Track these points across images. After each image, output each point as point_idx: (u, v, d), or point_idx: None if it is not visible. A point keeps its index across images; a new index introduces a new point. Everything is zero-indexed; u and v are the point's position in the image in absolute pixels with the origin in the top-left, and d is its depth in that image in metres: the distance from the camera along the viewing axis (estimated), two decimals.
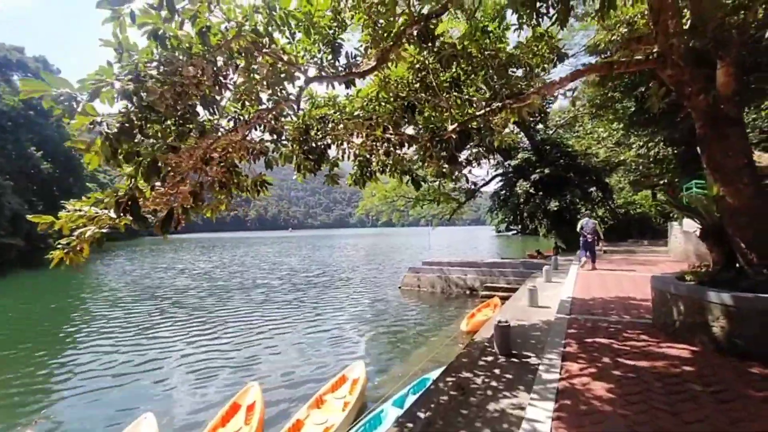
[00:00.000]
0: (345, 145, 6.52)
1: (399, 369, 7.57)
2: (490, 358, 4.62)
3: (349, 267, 26.66)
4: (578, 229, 10.56)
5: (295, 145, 5.64)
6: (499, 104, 4.91)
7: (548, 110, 25.75)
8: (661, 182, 20.33)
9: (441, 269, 16.93)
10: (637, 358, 3.75)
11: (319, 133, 5.71)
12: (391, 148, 6.77)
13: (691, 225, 9.96)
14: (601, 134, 24.01)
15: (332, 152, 6.49)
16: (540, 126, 23.25)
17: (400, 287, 17.44)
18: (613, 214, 21.68)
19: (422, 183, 6.60)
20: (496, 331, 4.78)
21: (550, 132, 23.03)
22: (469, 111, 5.47)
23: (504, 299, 12.49)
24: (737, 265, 4.25)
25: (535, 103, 5.59)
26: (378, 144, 6.79)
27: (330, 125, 5.72)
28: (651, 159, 12.90)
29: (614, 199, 21.88)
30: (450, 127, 5.20)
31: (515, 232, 26.19)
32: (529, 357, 4.50)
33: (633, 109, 12.72)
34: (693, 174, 12.23)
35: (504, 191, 22.29)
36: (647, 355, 3.80)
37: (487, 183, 25.74)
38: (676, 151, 11.65)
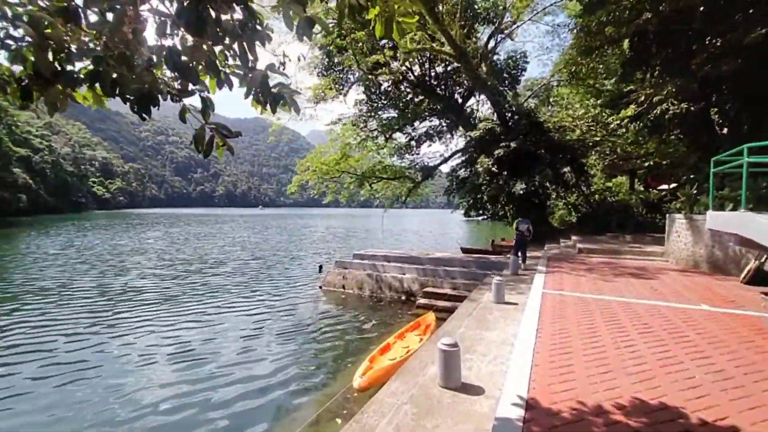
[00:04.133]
0: None
1: None
2: None
3: (282, 255, 22.43)
4: (514, 228, 10.44)
5: None
6: None
7: (520, 78, 22.00)
8: (646, 165, 17.18)
9: (374, 265, 13.11)
10: None
11: None
12: None
13: (716, 220, 6.52)
14: (577, 109, 20.60)
15: None
16: (509, 94, 19.44)
17: (321, 287, 13.51)
18: (587, 202, 18.46)
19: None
20: None
21: (520, 99, 19.27)
22: None
23: (444, 312, 8.88)
24: None
25: None
26: None
27: None
28: (647, 124, 9.38)
29: (590, 183, 18.64)
30: None
31: (485, 217, 23.30)
32: None
33: (629, 54, 9.09)
34: (706, 153, 8.68)
35: (463, 169, 18.56)
36: None
37: (446, 160, 21.94)
38: (693, 108, 8.11)
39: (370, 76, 18.39)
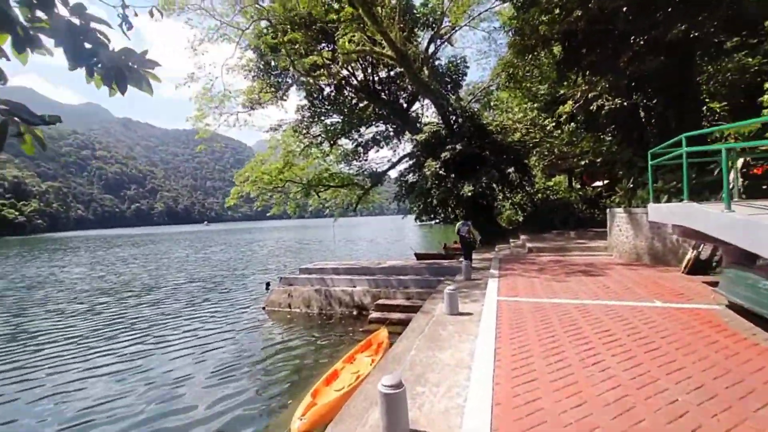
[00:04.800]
0: None
1: None
2: None
3: (224, 275, 20.59)
4: (456, 232, 10.83)
5: None
6: None
7: (462, 82, 22.36)
8: (582, 163, 18.01)
9: (322, 279, 12.18)
10: None
11: None
12: None
13: (658, 212, 6.55)
14: (516, 113, 21.35)
15: None
16: (452, 97, 19.55)
17: (264, 307, 12.28)
18: (531, 201, 19.00)
19: None
20: None
21: (462, 102, 19.48)
22: None
23: (399, 326, 8.24)
24: None
25: None
26: None
27: None
28: (582, 122, 9.75)
29: (533, 183, 19.22)
30: None
31: (437, 221, 23.51)
32: None
33: (561, 56, 9.28)
34: (638, 149, 9.00)
35: (411, 174, 18.28)
36: None
37: (394, 165, 21.59)
38: (626, 104, 8.39)
39: (309, 80, 17.55)
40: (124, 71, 1.95)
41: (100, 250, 42.74)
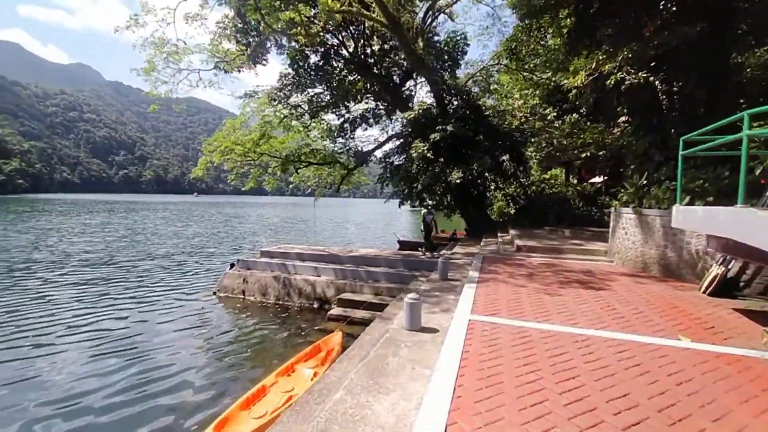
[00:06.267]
0: None
1: None
2: None
3: (190, 251, 19.09)
4: (421, 221, 11.76)
5: None
6: None
7: (461, 61, 20.54)
8: (583, 156, 16.66)
9: (283, 265, 10.77)
10: None
11: None
12: None
13: (688, 217, 5.16)
14: (516, 99, 19.76)
15: None
16: (447, 75, 17.81)
17: (215, 292, 10.89)
18: (525, 193, 17.63)
19: None
20: None
21: (459, 81, 17.80)
22: None
23: (362, 326, 6.89)
24: None
25: None
26: None
27: None
28: (583, 114, 8.39)
29: (529, 174, 17.79)
30: None
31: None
32: None
33: (572, 24, 7.74)
34: (657, 137, 7.61)
35: (397, 155, 16.72)
36: None
37: (381, 144, 19.94)
38: (651, 78, 6.94)
39: (291, 44, 15.70)
40: None
41: (71, 214, 40.63)
